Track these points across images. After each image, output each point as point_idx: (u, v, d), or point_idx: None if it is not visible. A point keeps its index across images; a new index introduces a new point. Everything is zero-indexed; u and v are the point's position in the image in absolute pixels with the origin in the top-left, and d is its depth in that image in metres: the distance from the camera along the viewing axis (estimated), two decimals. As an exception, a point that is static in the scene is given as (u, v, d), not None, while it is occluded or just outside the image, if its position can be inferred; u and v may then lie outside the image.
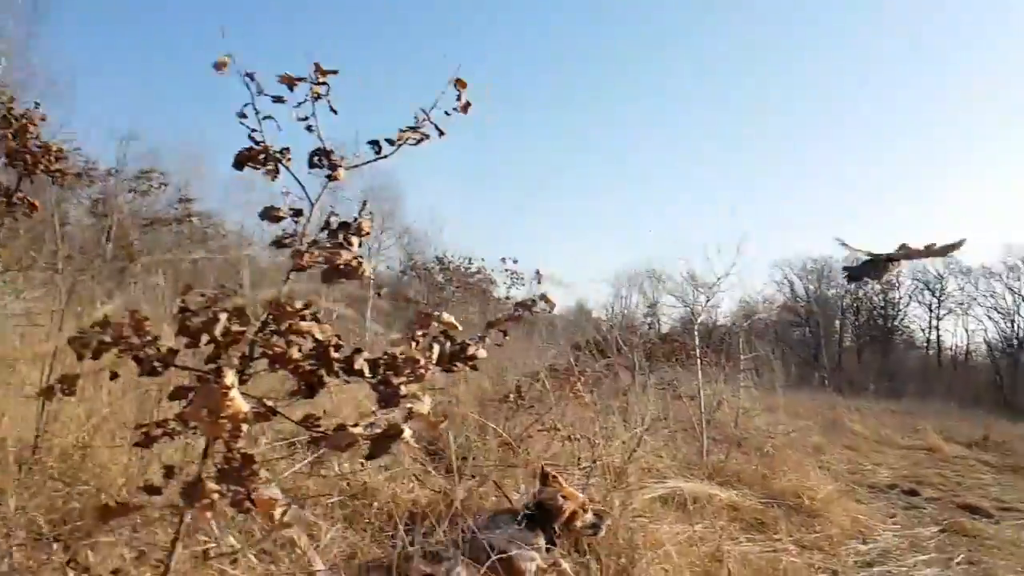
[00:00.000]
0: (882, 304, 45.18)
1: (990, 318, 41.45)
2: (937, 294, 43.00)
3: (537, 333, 9.66)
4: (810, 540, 5.40)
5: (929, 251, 3.66)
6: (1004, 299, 40.57)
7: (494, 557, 2.74)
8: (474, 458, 4.21)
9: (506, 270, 16.89)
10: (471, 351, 1.63)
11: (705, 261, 7.72)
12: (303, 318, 1.39)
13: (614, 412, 6.58)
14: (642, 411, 7.25)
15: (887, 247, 3.70)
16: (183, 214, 15.55)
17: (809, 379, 29.39)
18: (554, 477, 3.18)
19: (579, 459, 4.20)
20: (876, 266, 3.88)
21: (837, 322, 46.08)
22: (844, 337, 46.31)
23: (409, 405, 1.36)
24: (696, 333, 7.58)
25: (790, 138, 59.70)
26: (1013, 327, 40.45)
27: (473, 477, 3.98)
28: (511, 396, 4.10)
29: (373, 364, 1.43)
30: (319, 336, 1.40)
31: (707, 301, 7.89)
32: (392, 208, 27.75)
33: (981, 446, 14.62)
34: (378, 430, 1.31)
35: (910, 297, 44.15)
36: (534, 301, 1.78)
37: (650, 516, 4.91)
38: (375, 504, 3.87)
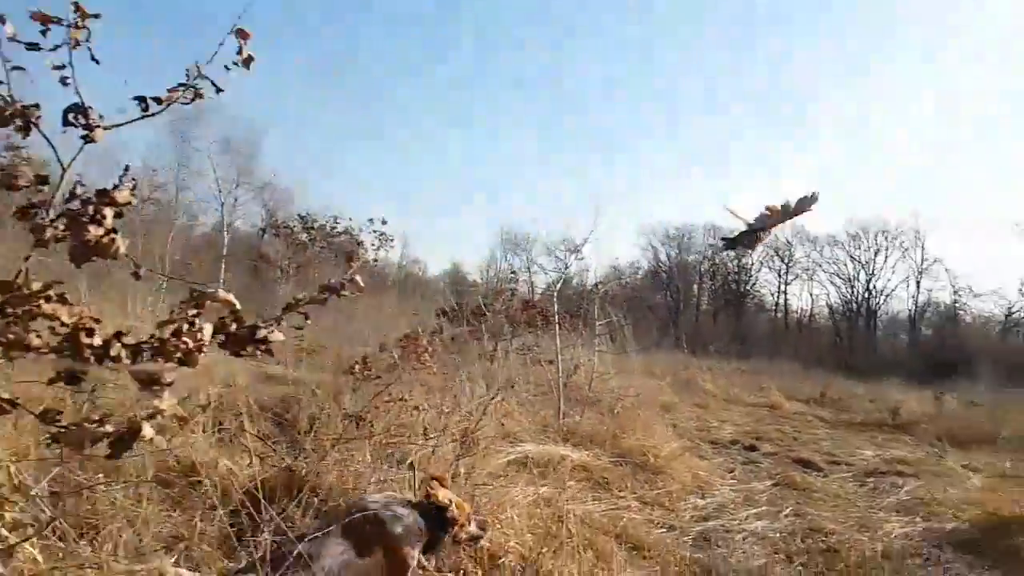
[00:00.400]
0: (736, 270, 48.19)
1: (833, 284, 45.19)
2: (786, 260, 46.26)
3: (408, 298, 9.57)
4: (652, 497, 5.67)
5: (787, 211, 3.63)
6: (846, 266, 44.31)
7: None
8: (316, 432, 4.06)
9: (374, 231, 16.54)
10: (262, 334, 1.50)
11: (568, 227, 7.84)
12: (48, 299, 1.22)
13: (474, 379, 6.62)
14: (503, 376, 7.35)
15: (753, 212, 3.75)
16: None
17: (669, 341, 30.79)
18: (442, 483, 3.09)
19: (425, 429, 4.14)
20: (750, 236, 3.77)
21: (696, 287, 48.70)
22: (701, 301, 49.09)
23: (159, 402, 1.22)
24: (555, 299, 7.70)
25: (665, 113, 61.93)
26: (853, 292, 44.27)
27: (315, 451, 3.84)
28: (356, 367, 3.94)
29: (136, 349, 1.28)
30: (66, 319, 1.23)
31: (566, 268, 8.04)
32: (250, 161, 25.85)
33: (819, 403, 15.95)
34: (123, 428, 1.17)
35: (761, 263, 47.24)
36: (343, 284, 1.65)
37: (504, 480, 5.00)
38: (207, 482, 3.62)
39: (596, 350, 7.69)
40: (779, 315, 47.12)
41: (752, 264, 47.14)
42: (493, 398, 5.11)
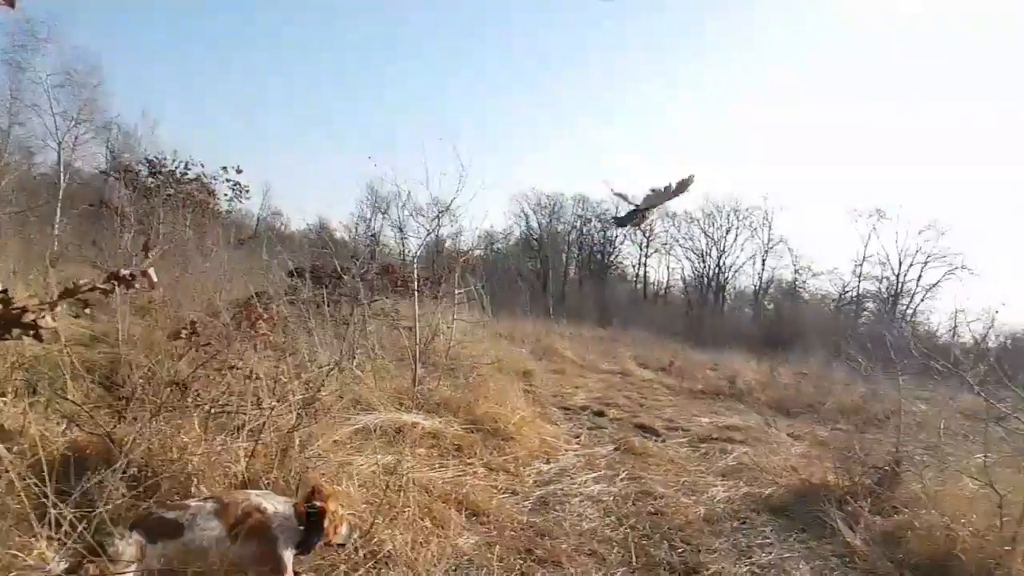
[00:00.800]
0: (601, 241, 49.92)
1: (688, 259, 48.03)
2: (647, 234, 48.47)
3: (260, 254, 9.08)
4: (499, 463, 5.76)
5: (669, 191, 4.16)
6: (700, 241, 47.05)
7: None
8: (141, 399, 3.78)
9: (228, 180, 15.57)
10: (31, 318, 1.33)
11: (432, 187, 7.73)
12: None
13: (325, 344, 6.42)
14: (357, 342, 7.20)
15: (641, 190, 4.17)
16: None
17: (539, 307, 31.39)
18: (322, 492, 2.98)
19: (259, 399, 3.95)
20: (636, 215, 4.30)
21: (564, 255, 49.96)
22: (569, 270, 50.50)
23: None
24: (415, 263, 7.60)
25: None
26: (705, 267, 47.14)
27: (135, 420, 3.57)
28: (184, 333, 3.68)
29: None
30: None
31: (428, 233, 7.95)
32: (92, 96, 23.56)
33: (667, 371, 16.74)
34: None
35: (624, 236, 49.35)
36: (133, 276, 1.50)
37: (350, 448, 4.90)
38: (15, 448, 3.30)
39: (455, 318, 7.67)
40: (639, 286, 49.42)
41: (616, 236, 49.15)
42: (338, 365, 4.97)
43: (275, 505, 2.84)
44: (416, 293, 7.49)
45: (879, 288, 42.85)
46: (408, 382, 7.12)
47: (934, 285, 40.83)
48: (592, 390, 11.19)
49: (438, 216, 7.83)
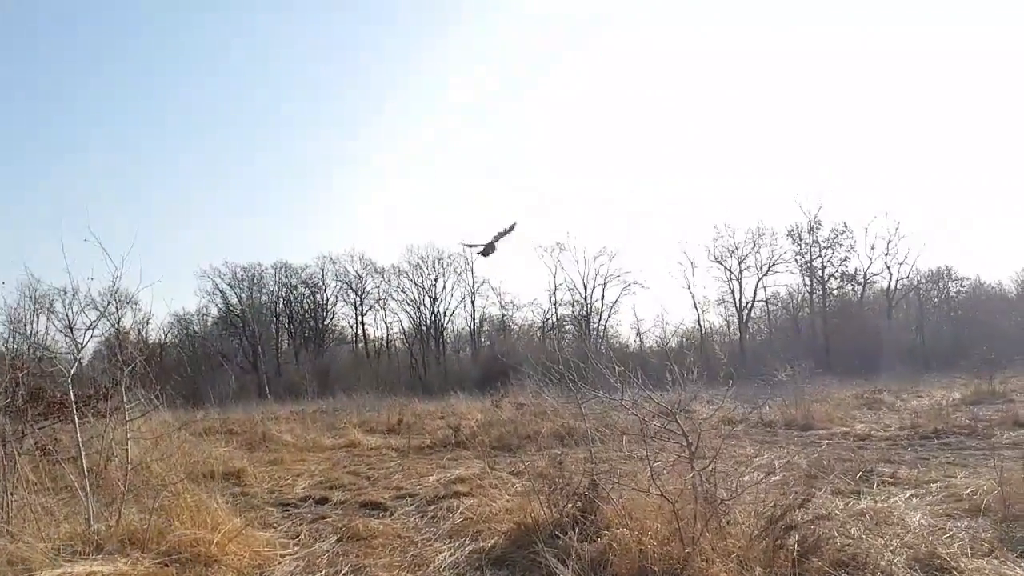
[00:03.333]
0: (312, 306, 48.70)
1: (404, 310, 48.69)
2: (359, 292, 48.36)
3: None
4: (202, 593, 5.02)
5: (505, 231, 6.71)
6: (412, 292, 48.11)
7: None
8: None
9: None
10: None
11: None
12: None
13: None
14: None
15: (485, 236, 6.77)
16: None
17: (250, 390, 29.35)
18: None
19: None
20: (491, 247, 6.86)
21: (274, 328, 47.70)
22: (281, 342, 48.28)
23: None
24: (69, 378, 6.46)
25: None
26: (421, 316, 48.20)
27: None
28: None
29: None
30: None
31: (89, 330, 6.89)
32: None
33: (396, 431, 16.50)
34: None
35: (337, 297, 48.79)
36: None
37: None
38: None
39: (128, 435, 6.61)
40: (360, 345, 48.88)
41: (328, 299, 48.36)
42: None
43: None
44: (76, 417, 6.36)
45: (573, 311, 47.55)
46: (82, 523, 6.00)
47: (615, 301, 46.92)
48: (314, 474, 10.47)
49: (99, 315, 6.71)
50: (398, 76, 66.15)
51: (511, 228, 6.64)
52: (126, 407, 6.59)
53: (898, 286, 42.75)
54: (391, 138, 66.58)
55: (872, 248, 42.39)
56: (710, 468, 4.83)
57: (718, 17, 64.28)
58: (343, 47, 66.17)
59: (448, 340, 49.27)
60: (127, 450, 6.49)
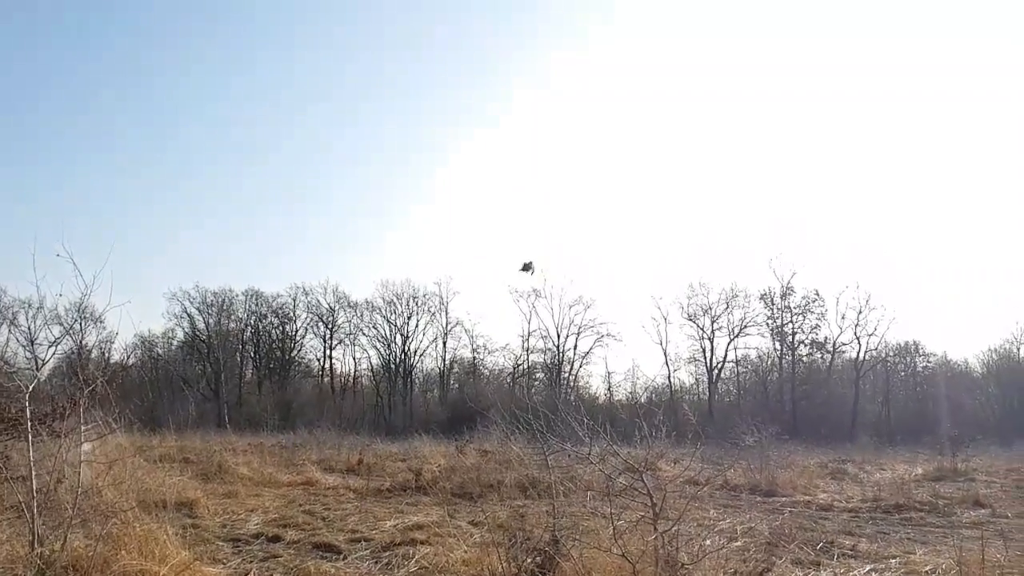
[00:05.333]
0: (280, 336, 48.03)
1: (374, 347, 48.16)
2: (330, 325, 47.82)
3: None
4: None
5: (527, 265, 14.80)
6: (383, 329, 47.64)
7: None
8: None
9: None
10: None
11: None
12: None
13: None
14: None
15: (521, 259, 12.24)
16: None
17: (209, 418, 28.68)
18: None
19: None
20: (529, 267, 15.91)
21: (239, 356, 46.91)
22: (246, 371, 47.44)
23: None
24: (27, 394, 6.24)
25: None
26: (391, 353, 47.67)
27: None
28: None
29: None
30: None
31: (52, 347, 6.66)
32: None
33: (356, 471, 16.16)
34: None
35: (307, 329, 48.20)
36: None
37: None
38: None
39: (81, 459, 6.40)
40: (325, 380, 48.14)
41: (297, 331, 47.73)
42: None
43: None
44: (30, 435, 6.13)
45: (545, 359, 47.26)
46: (25, 545, 5.77)
47: (588, 352, 46.50)
48: (269, 511, 10.17)
49: (64, 331, 6.53)
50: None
51: (530, 265, 10.58)
52: (83, 428, 6.38)
53: (866, 357, 43.09)
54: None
55: (843, 317, 42.80)
56: (673, 530, 4.78)
57: (696, 66, 67.03)
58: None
59: (416, 380, 48.62)
60: (79, 473, 6.28)
